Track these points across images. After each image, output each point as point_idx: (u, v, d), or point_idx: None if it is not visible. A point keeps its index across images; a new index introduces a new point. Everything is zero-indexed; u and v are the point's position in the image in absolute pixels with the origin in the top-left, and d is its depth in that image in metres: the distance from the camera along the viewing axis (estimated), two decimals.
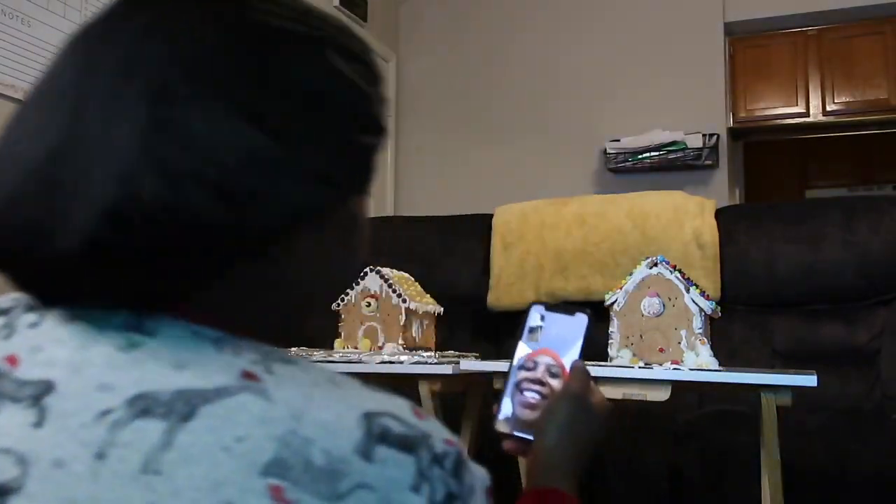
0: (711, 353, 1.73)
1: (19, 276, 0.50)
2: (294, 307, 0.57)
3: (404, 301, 2.04)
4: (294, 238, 0.52)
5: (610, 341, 1.82)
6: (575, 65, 4.32)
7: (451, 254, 3.13)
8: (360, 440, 0.44)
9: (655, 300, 1.78)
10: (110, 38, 0.49)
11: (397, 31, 4.71)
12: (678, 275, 1.78)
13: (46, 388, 0.46)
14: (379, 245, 3.23)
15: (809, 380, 1.54)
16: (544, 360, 0.77)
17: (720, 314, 1.83)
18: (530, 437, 0.74)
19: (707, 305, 1.74)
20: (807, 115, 4.14)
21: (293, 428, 0.43)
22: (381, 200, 4.49)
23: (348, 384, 0.48)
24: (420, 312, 2.11)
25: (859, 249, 2.62)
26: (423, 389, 1.81)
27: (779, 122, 4.23)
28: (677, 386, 1.66)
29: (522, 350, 0.78)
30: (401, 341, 2.03)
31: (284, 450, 0.43)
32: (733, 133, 4.30)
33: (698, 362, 1.70)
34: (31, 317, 0.50)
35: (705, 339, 1.74)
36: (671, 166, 4.00)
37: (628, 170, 4.07)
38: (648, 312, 1.79)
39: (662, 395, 1.65)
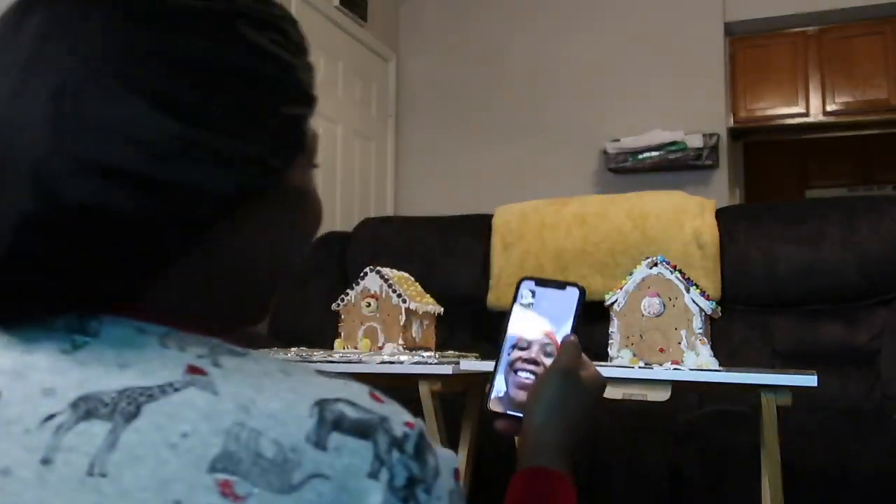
0: (711, 353, 1.73)
1: None
2: (247, 290, 0.55)
3: (404, 301, 2.04)
4: (236, 220, 0.50)
5: (610, 341, 1.82)
6: (575, 65, 4.32)
7: (451, 254, 3.13)
8: (312, 428, 0.43)
9: (655, 300, 1.78)
10: (8, 42, 0.47)
11: (397, 31, 4.71)
12: (678, 275, 1.78)
13: None
14: (379, 245, 3.23)
15: (809, 380, 1.54)
16: (538, 338, 0.74)
17: (720, 314, 1.83)
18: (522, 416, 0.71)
19: (707, 305, 1.74)
20: (807, 115, 4.14)
21: (241, 420, 0.42)
22: (381, 200, 4.49)
23: (301, 373, 0.47)
24: (420, 312, 2.11)
25: (859, 249, 2.62)
26: (423, 389, 1.81)
27: (779, 122, 4.23)
28: (677, 386, 1.66)
29: (514, 327, 0.75)
30: (401, 341, 2.03)
31: (232, 443, 0.42)
32: (733, 133, 4.30)
33: (698, 362, 1.70)
34: None
35: (705, 339, 1.74)
36: (671, 166, 4.00)
37: (628, 170, 4.07)
38: (648, 312, 1.79)
39: (662, 395, 1.65)
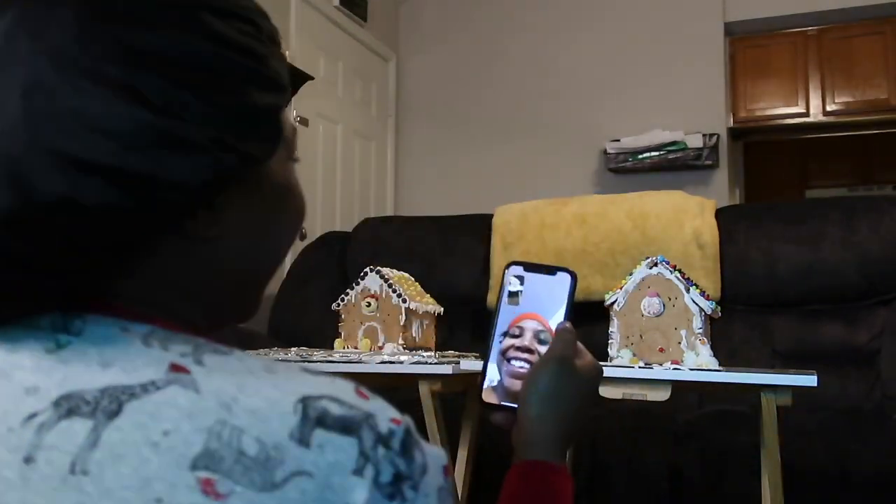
0: (711, 353, 1.73)
1: None
2: (232, 285, 0.55)
3: (404, 301, 2.04)
4: (216, 213, 0.51)
5: (610, 341, 1.82)
6: (575, 65, 4.32)
7: (451, 254, 3.13)
8: (295, 426, 0.43)
9: (655, 300, 1.78)
10: None
11: (397, 31, 4.71)
12: (678, 275, 1.78)
13: None
14: (379, 245, 3.23)
15: (809, 380, 1.54)
16: (531, 325, 0.71)
17: (720, 314, 1.83)
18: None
19: (707, 305, 1.74)
20: (807, 115, 4.14)
21: (223, 418, 0.42)
22: (381, 200, 4.49)
23: (286, 370, 0.47)
24: (420, 312, 2.11)
25: (859, 249, 2.62)
26: (423, 389, 1.81)
27: (779, 122, 4.23)
28: (677, 386, 1.66)
29: (505, 315, 0.72)
30: (401, 341, 2.03)
31: (214, 441, 0.42)
32: (733, 133, 4.30)
33: (698, 362, 1.70)
34: None
35: (705, 339, 1.74)
36: (671, 166, 4.00)
37: (628, 170, 4.07)
38: (648, 312, 1.79)
39: (662, 395, 1.65)
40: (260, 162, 0.52)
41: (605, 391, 1.63)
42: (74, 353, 0.46)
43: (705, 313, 1.76)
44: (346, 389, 0.46)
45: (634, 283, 1.80)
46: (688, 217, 2.80)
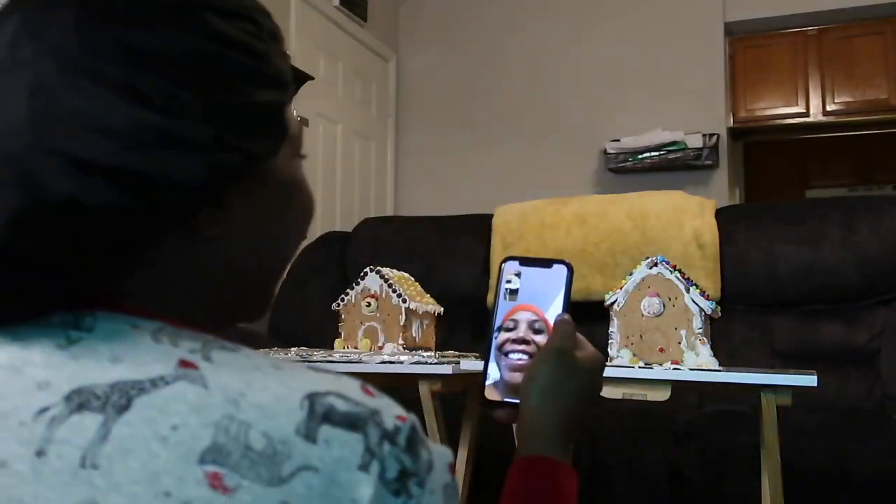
0: (711, 353, 1.73)
1: None
2: (241, 283, 0.55)
3: (404, 301, 2.04)
4: (223, 210, 0.51)
5: (610, 341, 1.82)
6: (575, 65, 4.32)
7: (451, 254, 3.13)
8: (302, 421, 0.43)
9: (655, 300, 1.78)
10: None
11: (397, 31, 4.71)
12: (678, 275, 1.78)
13: None
14: (379, 245, 3.24)
15: (809, 380, 1.54)
16: (525, 316, 0.70)
17: (720, 314, 1.83)
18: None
19: (707, 305, 1.74)
20: (807, 115, 4.14)
21: (230, 413, 0.43)
22: (381, 200, 4.49)
23: (293, 367, 0.47)
24: (420, 312, 2.11)
25: (859, 249, 2.62)
26: (423, 389, 1.81)
27: (779, 122, 4.23)
28: (677, 386, 1.66)
29: (502, 311, 0.71)
30: (401, 341, 2.03)
31: (221, 436, 0.42)
32: (733, 133, 4.30)
33: (698, 362, 1.70)
34: None
35: (705, 339, 1.74)
36: (671, 166, 4.00)
37: (628, 170, 4.07)
38: (648, 312, 1.79)
39: (662, 395, 1.65)
40: (263, 159, 0.52)
41: (605, 391, 1.63)
42: (85, 348, 0.47)
43: (705, 313, 1.76)
44: (352, 386, 0.46)
45: (634, 283, 1.80)
46: (688, 217, 2.80)
